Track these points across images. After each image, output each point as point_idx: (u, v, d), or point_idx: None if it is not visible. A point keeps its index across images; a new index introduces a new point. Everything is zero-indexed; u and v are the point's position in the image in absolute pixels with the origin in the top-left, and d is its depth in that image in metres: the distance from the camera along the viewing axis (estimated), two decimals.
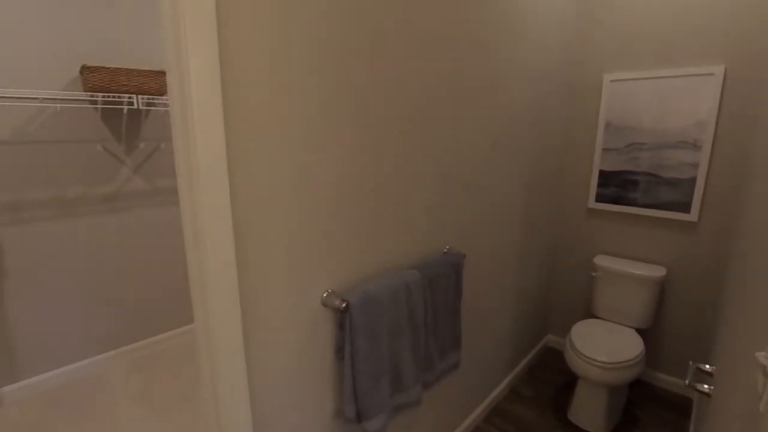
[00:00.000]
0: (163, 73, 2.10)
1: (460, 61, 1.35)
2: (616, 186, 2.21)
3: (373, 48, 1.04)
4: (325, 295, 1.01)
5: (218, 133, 0.76)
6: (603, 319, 2.17)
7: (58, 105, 1.85)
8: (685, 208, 2.01)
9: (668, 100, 1.98)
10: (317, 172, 0.96)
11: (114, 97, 1.96)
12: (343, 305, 0.97)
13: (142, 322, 2.42)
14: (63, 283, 2.12)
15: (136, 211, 2.32)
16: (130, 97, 2.00)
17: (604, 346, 1.85)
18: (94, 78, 1.90)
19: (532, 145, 1.94)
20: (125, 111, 2.00)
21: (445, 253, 1.39)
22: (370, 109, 1.06)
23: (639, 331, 2.24)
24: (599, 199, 2.28)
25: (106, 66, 1.93)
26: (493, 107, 1.58)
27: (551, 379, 2.27)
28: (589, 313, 2.44)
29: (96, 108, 2.10)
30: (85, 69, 1.89)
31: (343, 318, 1.01)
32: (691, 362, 1.17)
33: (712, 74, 1.85)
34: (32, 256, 2.02)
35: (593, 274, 2.21)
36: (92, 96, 1.92)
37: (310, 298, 0.99)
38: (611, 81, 2.15)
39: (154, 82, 2.08)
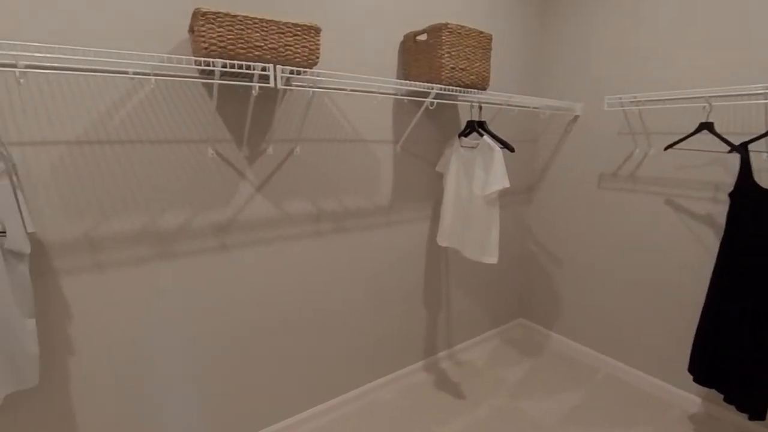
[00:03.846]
0: (314, 30, 1.25)
1: None
2: None
3: None
4: None
5: None
6: None
7: (153, 78, 1.06)
8: None
9: None
10: None
11: (240, 67, 1.14)
12: None
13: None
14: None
15: (256, 248, 1.52)
16: (264, 69, 1.17)
17: None
18: (211, 33, 1.09)
19: None
20: (255, 92, 1.18)
21: None
22: None
23: None
24: None
25: (232, 13, 1.11)
26: None
27: None
28: None
29: (209, 86, 1.31)
30: (198, 17, 1.08)
31: None
32: None
33: None
34: (98, 314, 1.29)
35: None
36: (206, 65, 1.12)
37: None
38: None
39: (300, 45, 1.24)
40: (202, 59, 1.10)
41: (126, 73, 1.16)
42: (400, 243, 1.91)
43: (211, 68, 1.12)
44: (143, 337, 1.35)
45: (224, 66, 1.12)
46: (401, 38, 1.73)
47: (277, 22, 1.18)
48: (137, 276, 1.32)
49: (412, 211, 1.93)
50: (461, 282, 2.26)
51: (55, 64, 1.02)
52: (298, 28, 1.22)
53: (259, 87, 1.20)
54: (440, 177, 1.95)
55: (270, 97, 1.43)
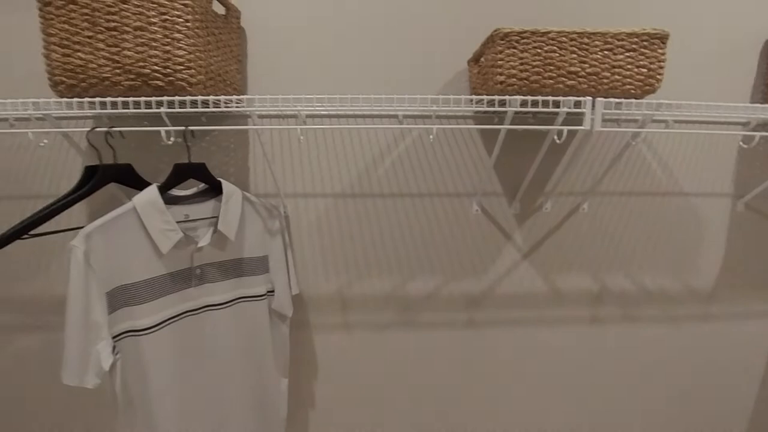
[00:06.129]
0: (659, 39, 0.81)
1: None
2: None
3: None
4: None
5: None
6: None
7: (434, 127, 0.83)
8: None
9: None
10: None
11: (545, 105, 0.80)
12: None
13: None
14: None
15: (510, 329, 1.17)
16: (577, 104, 0.80)
17: None
18: (512, 61, 0.79)
19: None
20: (560, 138, 0.82)
21: None
22: None
23: None
24: None
25: (542, 30, 0.78)
26: None
27: None
28: None
29: (489, 132, 1.03)
30: (496, 41, 0.79)
31: None
32: None
33: None
34: (341, 374, 1.17)
35: None
36: (497, 105, 0.82)
37: None
38: None
39: (636, 65, 0.81)
40: (495, 98, 0.80)
41: (396, 116, 0.99)
42: (722, 348, 1.23)
43: (502, 109, 0.82)
44: (381, 403, 1.18)
45: (523, 104, 0.80)
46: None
47: (604, 34, 0.80)
48: (380, 340, 1.15)
49: (750, 303, 1.22)
50: None
51: (330, 112, 0.91)
52: (635, 39, 0.80)
53: (565, 131, 0.83)
54: None
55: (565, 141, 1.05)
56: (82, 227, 0.72)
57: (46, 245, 0.96)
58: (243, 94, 1.00)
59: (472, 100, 0.82)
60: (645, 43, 0.80)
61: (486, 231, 1.10)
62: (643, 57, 0.81)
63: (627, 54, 0.81)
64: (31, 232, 0.75)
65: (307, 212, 1.07)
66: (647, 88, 0.82)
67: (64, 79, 0.77)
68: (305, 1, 1.00)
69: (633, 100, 0.82)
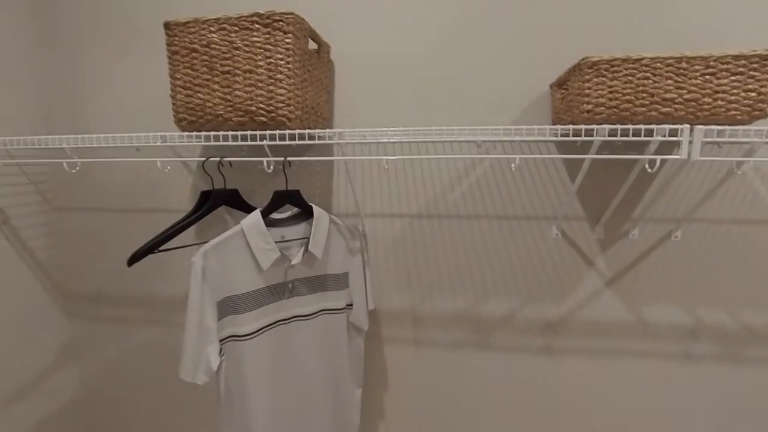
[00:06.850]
0: None
1: None
2: None
3: None
4: None
5: None
6: None
7: (516, 156, 0.83)
8: None
9: None
10: None
11: (635, 134, 0.77)
12: None
13: None
14: None
15: (591, 359, 1.12)
16: (673, 132, 0.76)
17: None
18: (600, 90, 0.78)
19: None
20: (653, 168, 0.79)
21: None
22: None
23: None
24: None
25: (634, 56, 0.76)
26: None
27: None
28: None
29: (576, 162, 1.01)
30: (584, 70, 0.78)
31: None
32: None
33: None
34: (410, 387, 1.20)
35: None
36: (584, 134, 0.80)
37: None
38: None
39: (742, 89, 0.75)
40: (582, 127, 0.79)
41: (475, 142, 1.01)
42: None
43: (589, 138, 0.80)
44: (449, 419, 1.20)
45: (612, 134, 0.78)
46: None
47: (706, 58, 0.75)
48: (451, 359, 1.17)
49: None
50: None
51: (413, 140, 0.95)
52: (743, 62, 0.75)
53: (658, 160, 0.79)
54: None
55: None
56: (195, 243, 0.83)
57: (166, 252, 1.11)
58: (331, 122, 1.08)
59: (557, 131, 0.81)
60: (755, 65, 0.74)
61: (566, 256, 1.08)
62: (752, 80, 0.75)
63: (732, 78, 0.75)
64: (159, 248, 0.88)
65: (384, 231, 1.12)
66: (756, 113, 0.76)
67: (186, 116, 0.90)
68: (386, 31, 1.06)
69: (739, 128, 0.76)
